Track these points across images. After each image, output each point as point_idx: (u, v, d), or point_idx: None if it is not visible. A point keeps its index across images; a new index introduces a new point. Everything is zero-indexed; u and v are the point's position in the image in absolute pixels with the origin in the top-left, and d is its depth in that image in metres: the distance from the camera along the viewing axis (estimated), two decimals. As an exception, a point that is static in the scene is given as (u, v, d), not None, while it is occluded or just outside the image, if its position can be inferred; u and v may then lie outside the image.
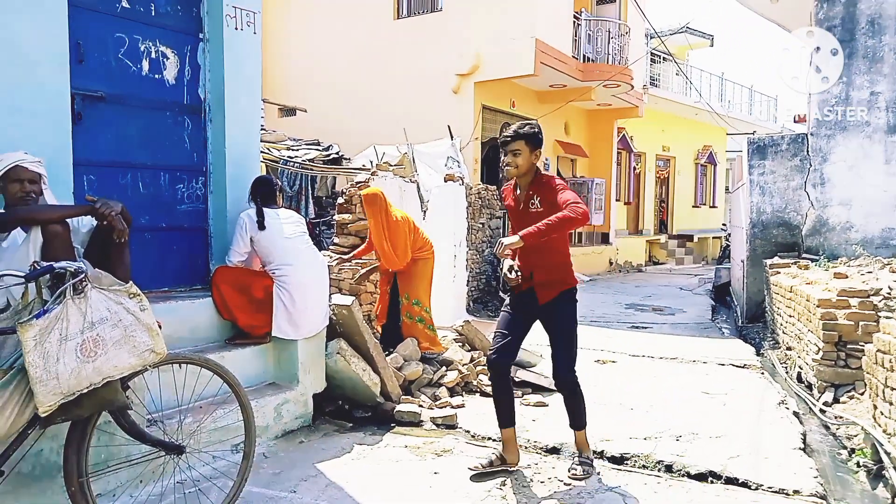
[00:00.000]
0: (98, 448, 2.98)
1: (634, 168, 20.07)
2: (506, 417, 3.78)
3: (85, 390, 2.42)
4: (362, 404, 4.80)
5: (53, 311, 2.36)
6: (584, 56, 14.33)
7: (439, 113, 12.54)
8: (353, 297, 4.85)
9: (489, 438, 4.29)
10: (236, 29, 4.55)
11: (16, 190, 3.21)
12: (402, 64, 13.38)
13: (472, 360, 5.87)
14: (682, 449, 4.07)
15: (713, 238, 22.05)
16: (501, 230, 11.42)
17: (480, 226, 10.66)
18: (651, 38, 18.56)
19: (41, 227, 3.06)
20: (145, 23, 4.17)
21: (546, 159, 15.86)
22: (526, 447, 4.14)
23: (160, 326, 2.70)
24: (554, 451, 4.10)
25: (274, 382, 4.47)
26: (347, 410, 4.79)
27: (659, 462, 3.88)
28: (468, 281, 9.92)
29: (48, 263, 2.45)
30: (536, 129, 3.64)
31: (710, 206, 24.65)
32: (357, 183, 7.38)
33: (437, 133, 11.88)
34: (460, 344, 6.19)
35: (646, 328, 8.86)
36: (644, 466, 3.86)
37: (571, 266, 3.79)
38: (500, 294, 10.21)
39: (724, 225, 18.01)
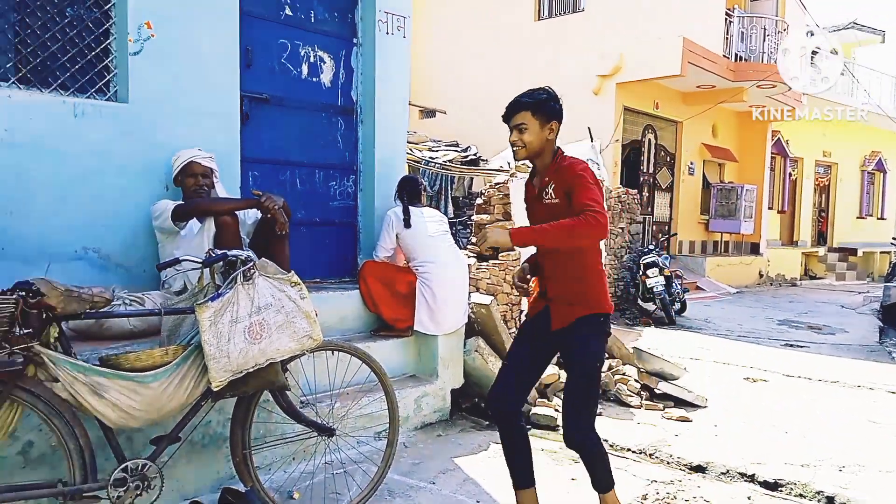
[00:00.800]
0: (257, 424, 3.20)
1: (790, 174, 18.68)
2: (520, 476, 2.92)
3: (251, 369, 2.60)
4: (498, 404, 4.80)
5: (226, 295, 2.56)
6: (735, 55, 13.55)
7: (579, 114, 12.28)
8: (492, 297, 4.87)
9: (628, 449, 4.15)
10: (387, 33, 4.73)
11: (191, 183, 3.53)
12: (541, 65, 13.30)
13: (609, 368, 5.72)
14: (846, 481, 3.72)
15: (881, 253, 20.03)
16: (642, 236, 11.06)
17: (620, 231, 10.37)
18: (813, 34, 17.20)
19: (214, 218, 3.34)
20: (305, 29, 4.43)
21: (691, 163, 15.16)
22: (668, 462, 3.97)
23: (316, 314, 2.85)
24: (699, 469, 3.89)
25: (414, 375, 4.59)
26: (483, 408, 4.82)
27: (819, 493, 3.56)
28: (605, 287, 9.66)
29: (222, 251, 2.66)
30: (545, 95, 2.79)
31: (878, 218, 22.43)
32: (496, 184, 7.41)
33: (575, 135, 11.64)
34: (598, 350, 6.05)
35: (801, 347, 8.21)
36: (801, 496, 3.57)
37: (603, 283, 2.81)
38: (639, 302, 9.87)
39: (894, 239, 16.31)
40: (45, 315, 2.32)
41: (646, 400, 5.17)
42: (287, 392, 2.94)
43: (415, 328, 4.47)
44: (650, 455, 4.06)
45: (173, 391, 2.51)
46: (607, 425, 4.56)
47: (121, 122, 3.50)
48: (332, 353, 3.18)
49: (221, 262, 2.69)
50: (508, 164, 10.69)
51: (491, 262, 6.42)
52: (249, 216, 3.67)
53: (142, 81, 3.55)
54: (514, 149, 2.83)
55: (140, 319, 3.13)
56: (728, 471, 3.83)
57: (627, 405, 5.07)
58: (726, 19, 13.32)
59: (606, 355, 6.01)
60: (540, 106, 2.77)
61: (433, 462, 3.81)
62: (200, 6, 3.74)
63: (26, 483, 2.52)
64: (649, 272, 9.49)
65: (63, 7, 3.38)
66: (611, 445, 4.23)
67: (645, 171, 14.16)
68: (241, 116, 4.04)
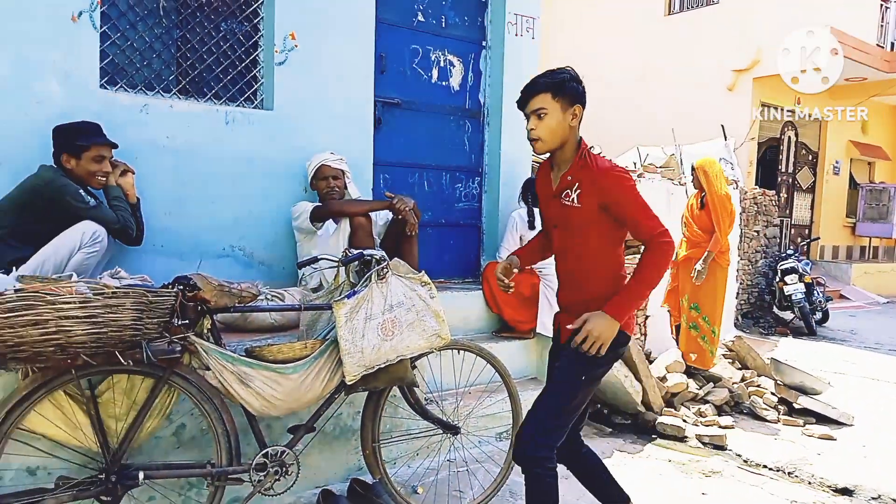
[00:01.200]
0: (384, 419, 3.31)
1: (953, 173, 16.87)
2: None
3: (382, 365, 2.70)
4: (621, 411, 4.70)
5: (361, 293, 2.66)
6: (891, 44, 12.41)
7: (711, 112, 11.76)
8: (618, 301, 4.75)
9: (764, 466, 3.92)
10: (516, 35, 4.74)
11: (322, 186, 3.71)
12: (670, 61, 12.81)
13: (742, 379, 5.43)
14: None
15: None
16: (779, 240, 10.38)
17: (755, 234, 9.79)
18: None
19: (349, 219, 3.49)
20: (436, 34, 4.53)
21: (837, 162, 14.06)
22: (810, 483, 3.71)
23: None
24: (846, 492, 3.60)
25: (535, 378, 4.56)
26: (606, 415, 4.72)
27: None
28: (738, 293, 9.17)
29: (359, 251, 2.77)
30: (566, 74, 2.37)
31: None
32: (622, 185, 7.23)
33: (706, 133, 11.16)
34: (730, 361, 5.75)
35: (966, 364, 7.39)
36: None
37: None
38: (775, 311, 9.28)
39: None
40: (199, 308, 2.52)
41: (784, 415, 4.86)
42: (415, 389, 3.01)
43: (537, 330, 4.44)
44: (789, 474, 3.81)
45: (311, 383, 2.64)
46: (741, 439, 4.33)
47: (266, 128, 3.74)
48: (459, 353, 3.22)
49: (357, 261, 2.80)
50: (634, 163, 10.39)
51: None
52: (381, 217, 3.81)
53: (285, 90, 3.77)
54: (532, 140, 2.44)
55: (281, 314, 3.32)
56: (880, 496, 3.53)
57: (763, 419, 4.78)
58: (881, 6, 12.23)
59: (738, 365, 5.71)
60: (561, 87, 2.35)
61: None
62: (340, 17, 3.93)
63: (180, 462, 2.75)
64: (787, 279, 8.91)
65: (219, 22, 3.66)
66: (745, 461, 4.01)
67: (783, 170, 13.30)
68: (374, 121, 4.19)
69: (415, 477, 3.45)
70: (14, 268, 2.71)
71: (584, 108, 2.41)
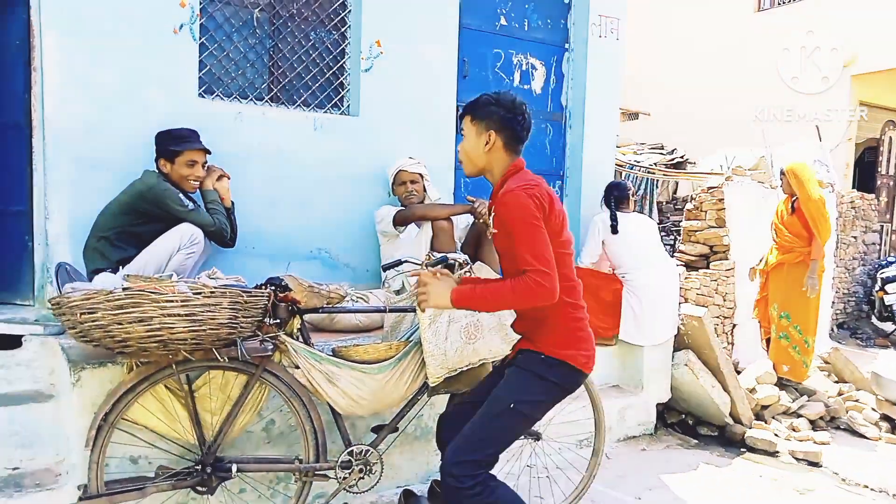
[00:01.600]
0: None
1: None
2: None
3: (464, 368, 2.71)
4: (707, 422, 4.55)
5: (445, 296, 2.68)
6: None
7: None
8: (705, 309, 4.61)
9: (865, 486, 3.70)
10: (600, 37, 4.68)
11: (401, 191, 3.76)
12: (760, 59, 12.30)
13: (839, 393, 5.15)
14: None
15: None
16: (879, 246, 9.80)
17: (852, 240, 9.27)
18: None
19: (431, 223, 3.53)
20: (519, 37, 4.53)
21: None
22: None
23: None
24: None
25: (617, 385, 4.49)
26: (691, 426, 4.58)
27: None
28: (833, 303, 8.71)
29: (443, 254, 2.79)
30: (487, 98, 2.31)
31: None
32: (709, 188, 6.99)
33: (801, 134, 10.66)
34: (826, 374, 5.46)
35: None
36: None
37: (573, 329, 2.32)
38: (874, 321, 8.75)
39: None
40: (290, 308, 2.61)
41: (886, 432, 4.58)
42: (496, 393, 3.01)
43: (620, 337, 4.36)
44: (893, 496, 3.59)
45: (395, 383, 2.69)
46: (837, 456, 4.10)
47: (351, 133, 3.83)
48: (540, 358, 3.19)
49: (440, 265, 2.82)
50: (721, 166, 10.04)
51: (701, 271, 6.07)
52: (462, 220, 3.82)
53: (370, 96, 3.85)
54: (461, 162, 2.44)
55: (366, 315, 3.39)
56: None
57: (862, 436, 4.52)
58: None
59: (835, 378, 5.42)
60: (477, 110, 2.32)
61: (638, 476, 3.69)
62: (424, 24, 3.99)
63: (269, 457, 2.85)
64: (888, 287, 8.38)
65: (308, 31, 3.79)
66: (843, 479, 3.80)
67: (884, 172, 12.53)
68: (456, 125, 4.22)
69: (494, 481, 3.44)
70: (120, 267, 2.88)
71: (500, 133, 2.27)
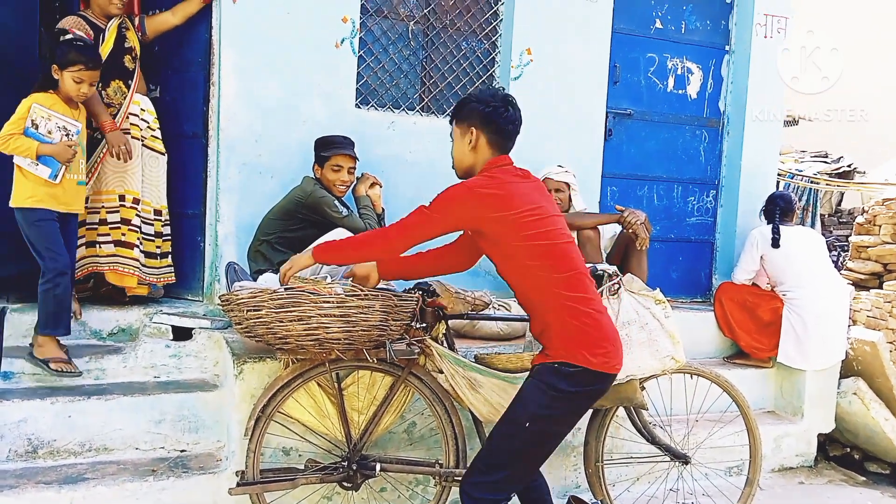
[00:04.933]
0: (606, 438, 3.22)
1: None
2: None
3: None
4: (878, 458, 4.13)
5: (592, 308, 2.61)
6: None
7: None
8: (880, 333, 4.18)
9: None
10: (765, 37, 4.41)
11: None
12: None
13: None
14: None
15: None
16: None
17: None
18: None
19: (577, 232, 3.46)
20: (674, 41, 4.36)
21: None
22: None
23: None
24: None
25: (773, 411, 4.18)
26: (857, 461, 4.18)
27: None
28: None
29: (590, 265, 2.72)
30: (471, 97, 2.32)
31: None
32: (885, 200, 6.35)
33: None
34: None
35: None
36: None
37: (578, 324, 2.11)
38: None
39: None
40: (437, 313, 2.65)
41: None
42: (642, 411, 2.89)
43: (778, 359, 4.05)
44: None
45: (537, 395, 2.65)
46: None
47: (498, 141, 3.84)
48: (690, 377, 3.04)
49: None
50: (897, 176, 9.11)
51: (873, 291, 5.51)
52: (608, 230, 3.72)
53: (519, 104, 3.83)
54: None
55: (506, 324, 3.39)
56: None
57: None
58: None
59: None
60: (460, 109, 2.30)
61: (797, 512, 3.41)
62: (576, 30, 3.95)
63: (411, 458, 2.90)
64: None
65: (459, 41, 3.86)
66: None
67: None
68: (605, 132, 4.13)
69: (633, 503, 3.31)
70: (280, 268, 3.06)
71: (482, 129, 2.25)
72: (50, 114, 2.80)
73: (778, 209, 4.13)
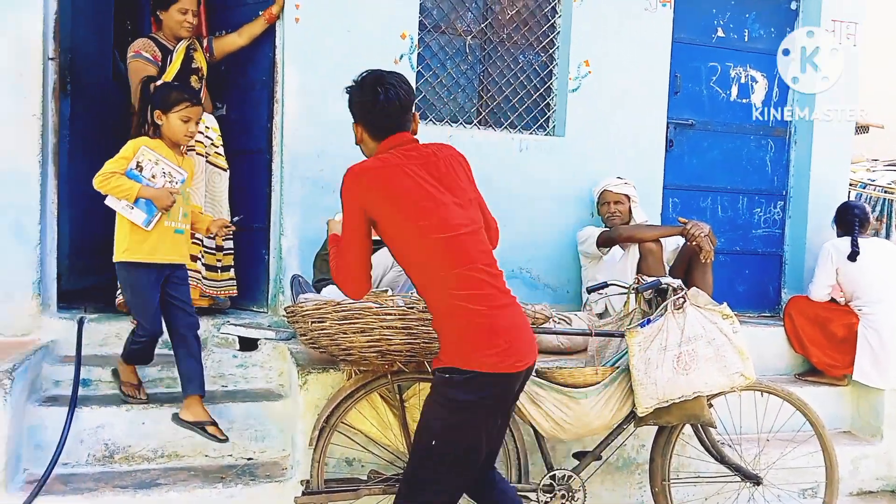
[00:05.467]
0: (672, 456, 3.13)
1: None
2: None
3: (676, 400, 2.56)
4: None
5: (656, 323, 2.56)
6: None
7: None
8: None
9: None
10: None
11: (604, 211, 3.68)
12: None
13: None
14: None
15: None
16: None
17: None
18: None
19: (639, 245, 3.40)
20: (737, 49, 4.28)
21: None
22: None
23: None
24: None
25: (849, 431, 3.98)
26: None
27: None
28: None
29: (654, 278, 2.68)
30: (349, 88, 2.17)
31: None
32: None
33: None
34: None
35: None
36: None
37: (458, 325, 1.93)
38: None
39: None
40: (497, 326, 2.63)
41: None
42: (711, 429, 2.81)
43: (853, 377, 3.87)
44: None
45: (600, 410, 2.61)
46: None
47: (556, 154, 3.84)
48: (761, 395, 2.93)
49: (651, 290, 2.71)
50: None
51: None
52: (671, 243, 3.65)
53: (577, 116, 3.84)
54: None
55: (567, 338, 3.33)
56: None
57: None
58: None
59: None
60: (349, 105, 2.19)
61: (877, 540, 3.23)
62: (636, 41, 3.92)
63: (472, 471, 2.88)
64: None
65: (517, 55, 3.88)
66: None
67: None
68: (666, 143, 4.06)
69: (703, 524, 3.21)
70: (342, 281, 3.10)
71: (361, 123, 2.17)
72: (158, 158, 2.70)
73: (857, 220, 3.96)
